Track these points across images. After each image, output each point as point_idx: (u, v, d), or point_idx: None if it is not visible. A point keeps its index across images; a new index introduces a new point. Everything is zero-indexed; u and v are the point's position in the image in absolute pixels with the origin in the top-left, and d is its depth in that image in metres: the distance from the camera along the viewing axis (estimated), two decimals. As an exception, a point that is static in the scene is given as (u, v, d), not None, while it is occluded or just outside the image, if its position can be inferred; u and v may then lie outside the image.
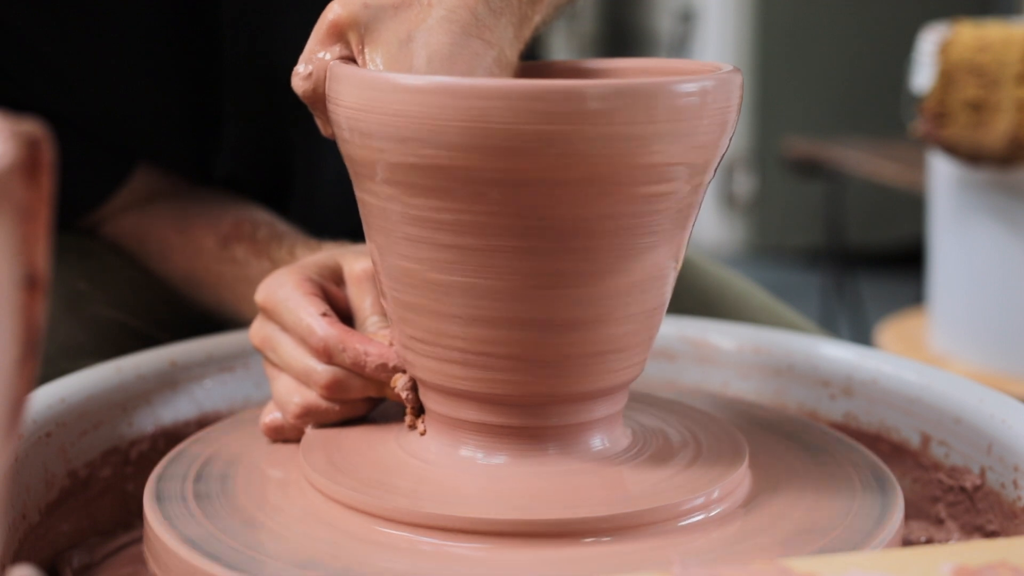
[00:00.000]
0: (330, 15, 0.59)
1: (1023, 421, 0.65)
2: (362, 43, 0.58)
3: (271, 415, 0.66)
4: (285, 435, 0.66)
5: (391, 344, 0.63)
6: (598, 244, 0.55)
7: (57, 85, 0.81)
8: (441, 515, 0.55)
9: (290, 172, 0.90)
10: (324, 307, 0.65)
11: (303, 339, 0.64)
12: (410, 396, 0.62)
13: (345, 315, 0.68)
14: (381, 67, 0.58)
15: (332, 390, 0.64)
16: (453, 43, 0.57)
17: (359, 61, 0.59)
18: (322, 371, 0.64)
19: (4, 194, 0.31)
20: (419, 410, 0.63)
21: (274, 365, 0.67)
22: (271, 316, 0.66)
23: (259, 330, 0.67)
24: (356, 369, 0.63)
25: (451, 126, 0.52)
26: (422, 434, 0.62)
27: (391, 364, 0.63)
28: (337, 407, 0.64)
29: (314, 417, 0.65)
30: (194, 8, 0.82)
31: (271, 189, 0.90)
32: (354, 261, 0.68)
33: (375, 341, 0.63)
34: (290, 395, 0.65)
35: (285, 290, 0.66)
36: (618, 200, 0.54)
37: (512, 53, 0.60)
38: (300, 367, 0.64)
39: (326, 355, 0.63)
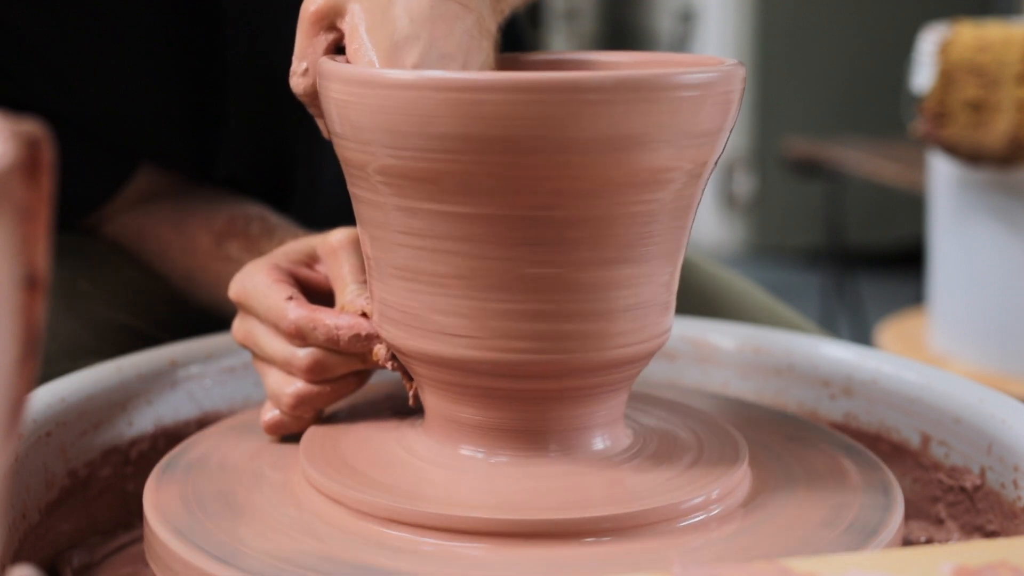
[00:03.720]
0: (311, 6, 0.60)
1: (1023, 421, 0.65)
2: (345, 21, 0.59)
3: (269, 413, 0.66)
4: (287, 429, 0.66)
5: (364, 313, 0.63)
6: (594, 237, 0.55)
7: (58, 85, 0.81)
8: (441, 515, 0.55)
9: (291, 172, 0.90)
10: (291, 291, 0.65)
11: (276, 326, 0.64)
12: (394, 364, 0.62)
13: (326, 293, 0.68)
14: (366, 38, 0.58)
15: (314, 372, 0.64)
16: (432, 5, 0.59)
17: (347, 40, 0.59)
18: (302, 355, 0.64)
19: (4, 194, 0.31)
20: (411, 375, 0.63)
21: (261, 359, 0.67)
22: (246, 309, 0.67)
23: (240, 326, 0.68)
24: (331, 345, 0.63)
25: (442, 122, 0.52)
26: (412, 403, 0.63)
27: (364, 333, 0.63)
28: (328, 388, 0.64)
29: (308, 404, 0.65)
30: (194, 8, 0.82)
31: (272, 189, 0.90)
32: (328, 236, 0.68)
33: (345, 314, 0.63)
34: (281, 387, 0.65)
35: (253, 281, 0.66)
36: (615, 194, 0.54)
37: (491, 22, 0.61)
38: (281, 355, 0.64)
39: (300, 337, 0.63)
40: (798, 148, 2.86)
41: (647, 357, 0.60)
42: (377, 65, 0.58)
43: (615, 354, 0.58)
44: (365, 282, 0.63)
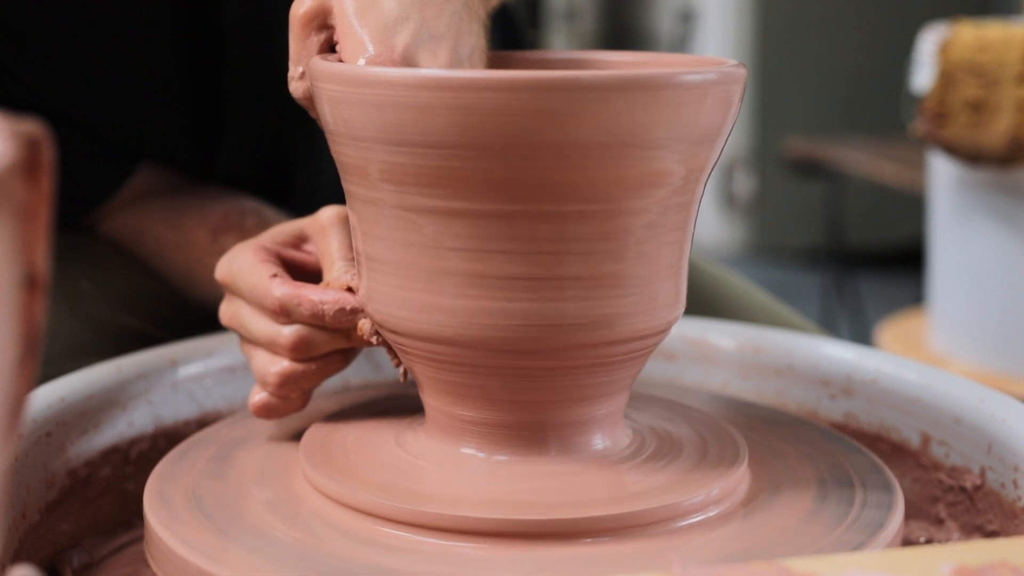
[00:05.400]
0: (299, 9, 0.61)
1: (1023, 421, 0.65)
2: (334, 14, 0.60)
3: (258, 395, 0.66)
4: (275, 411, 0.65)
5: (349, 288, 0.63)
6: (594, 233, 0.55)
7: (60, 84, 0.82)
8: (441, 515, 0.55)
9: (291, 171, 0.90)
10: (275, 269, 0.65)
11: (261, 304, 0.64)
12: (379, 339, 0.62)
13: (314, 274, 0.67)
14: (356, 22, 0.58)
15: (299, 350, 0.64)
16: None
17: (337, 29, 0.59)
18: (286, 333, 0.64)
19: (4, 194, 0.31)
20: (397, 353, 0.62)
21: (247, 341, 0.67)
22: (231, 290, 0.67)
23: (227, 308, 0.68)
24: (316, 321, 0.63)
25: (440, 121, 0.52)
26: (403, 381, 0.63)
27: (349, 307, 0.62)
28: (313, 366, 0.64)
29: (294, 383, 0.64)
30: (197, 9, 0.82)
31: (271, 189, 0.90)
32: (317, 214, 0.68)
33: (329, 289, 0.63)
34: (266, 367, 0.65)
35: (238, 262, 0.66)
36: (615, 192, 0.54)
37: (480, 8, 0.61)
38: (266, 335, 0.64)
39: (284, 314, 0.63)
40: (798, 148, 2.86)
41: (646, 338, 0.59)
42: (368, 46, 0.58)
43: (613, 337, 0.58)
44: (353, 259, 0.63)
